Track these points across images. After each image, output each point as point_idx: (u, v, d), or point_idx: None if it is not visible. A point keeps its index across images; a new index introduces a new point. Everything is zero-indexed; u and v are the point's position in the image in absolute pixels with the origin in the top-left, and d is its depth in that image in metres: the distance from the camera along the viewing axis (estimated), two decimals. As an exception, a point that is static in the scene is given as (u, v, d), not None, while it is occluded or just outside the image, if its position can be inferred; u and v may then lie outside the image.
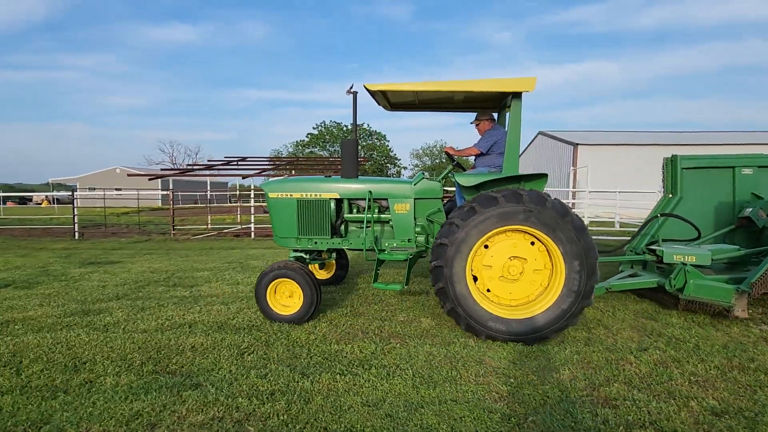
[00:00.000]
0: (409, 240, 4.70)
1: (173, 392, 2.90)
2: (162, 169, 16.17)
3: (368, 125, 49.77)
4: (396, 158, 51.39)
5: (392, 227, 4.76)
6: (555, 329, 3.84)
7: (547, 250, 3.98)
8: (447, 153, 4.89)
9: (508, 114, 4.37)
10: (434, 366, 3.41)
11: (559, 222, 3.79)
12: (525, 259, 4.00)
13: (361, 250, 4.76)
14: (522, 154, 31.71)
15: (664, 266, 4.85)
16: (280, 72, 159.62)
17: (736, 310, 4.32)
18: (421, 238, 4.75)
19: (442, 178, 4.92)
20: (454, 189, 5.27)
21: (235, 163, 13.57)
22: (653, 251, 5.05)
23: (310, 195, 4.73)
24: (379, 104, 5.02)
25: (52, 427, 2.50)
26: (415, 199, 4.66)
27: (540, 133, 30.23)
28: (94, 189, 36.35)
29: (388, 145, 51.30)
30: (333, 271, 6.08)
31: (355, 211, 4.86)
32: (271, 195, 4.84)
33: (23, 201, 42.41)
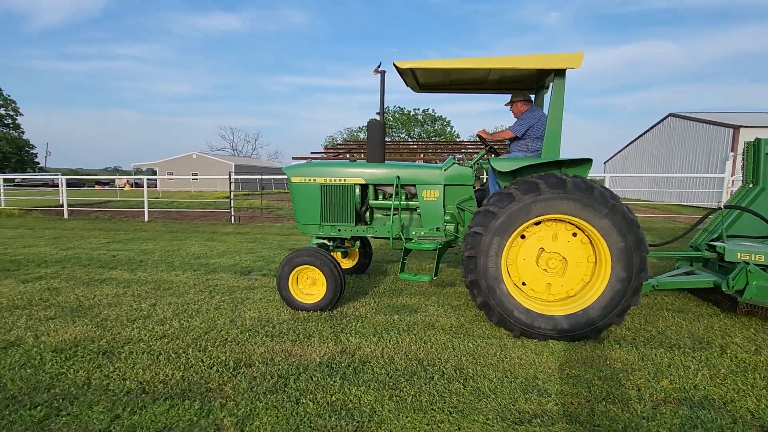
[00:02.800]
0: (437, 229, 4.44)
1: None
2: (312, 153, 15.28)
3: (433, 110, 49.90)
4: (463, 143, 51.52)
5: (420, 215, 4.50)
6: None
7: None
8: (480, 137, 4.58)
9: (547, 96, 3.97)
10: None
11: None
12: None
13: (387, 238, 4.53)
14: (641, 137, 30.25)
15: (725, 265, 4.37)
16: (319, 57, 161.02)
17: None
18: (451, 227, 4.49)
19: (474, 164, 4.57)
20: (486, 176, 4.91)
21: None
22: (713, 248, 4.54)
23: (334, 180, 4.52)
24: (407, 84, 4.75)
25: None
26: (444, 185, 4.39)
27: (671, 115, 27.68)
28: (173, 174, 37.54)
29: (453, 131, 51.08)
30: (356, 259, 5.84)
31: (381, 197, 4.64)
32: (294, 179, 4.63)
33: (101, 185, 43.48)
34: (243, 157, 61.57)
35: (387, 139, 45.67)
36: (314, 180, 4.58)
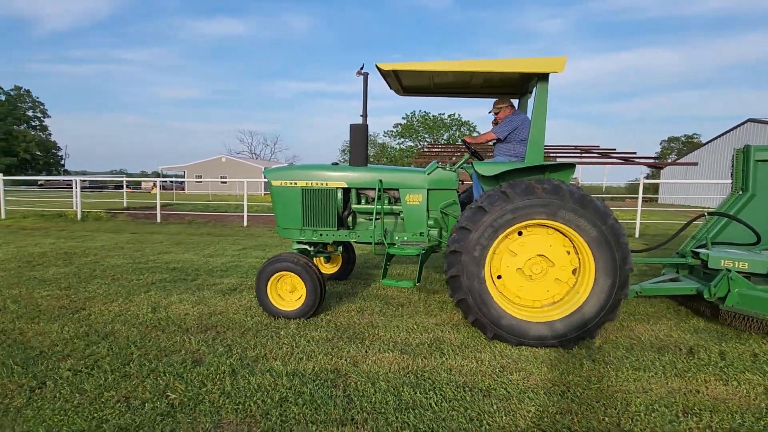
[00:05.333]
0: (421, 234, 4.40)
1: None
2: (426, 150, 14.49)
3: (459, 115, 49.45)
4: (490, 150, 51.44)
5: (403, 220, 4.44)
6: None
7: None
8: (464, 142, 4.62)
9: (530, 100, 3.92)
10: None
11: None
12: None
13: (370, 243, 4.44)
14: (713, 141, 29.83)
15: (709, 272, 4.33)
16: (321, 64, 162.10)
17: None
18: (434, 232, 4.43)
19: (458, 168, 4.59)
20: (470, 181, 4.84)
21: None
22: (698, 254, 4.52)
23: (316, 183, 4.46)
24: (390, 87, 4.68)
25: None
26: (428, 189, 4.34)
27: (749, 120, 27.76)
28: (201, 177, 37.71)
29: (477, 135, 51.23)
30: (339, 265, 5.77)
31: (363, 201, 4.58)
32: (274, 183, 4.58)
33: (119, 187, 43.45)
34: (265, 161, 61.58)
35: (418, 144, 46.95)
36: (295, 183, 4.50)
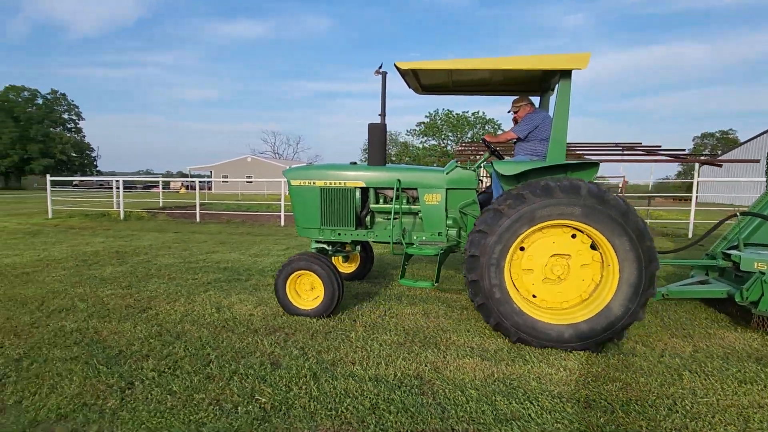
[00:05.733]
0: (439, 233, 4.35)
1: None
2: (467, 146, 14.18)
3: (483, 113, 48.84)
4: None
5: (422, 219, 4.39)
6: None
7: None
8: (484, 140, 4.53)
9: (552, 98, 3.84)
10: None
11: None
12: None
13: (388, 243, 4.42)
14: (760, 136, 28.51)
15: (741, 274, 4.11)
16: (340, 63, 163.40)
17: None
18: (453, 232, 4.37)
19: (477, 167, 4.49)
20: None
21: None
22: (729, 256, 4.27)
23: (334, 183, 4.46)
24: (409, 86, 4.64)
25: None
26: (447, 189, 4.29)
27: None
28: (227, 177, 38.68)
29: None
30: (357, 264, 5.73)
31: (381, 201, 4.55)
32: (293, 182, 4.59)
33: (148, 187, 44.98)
34: (288, 160, 62.25)
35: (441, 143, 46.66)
36: (314, 183, 4.51)
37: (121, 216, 13.39)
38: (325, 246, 4.65)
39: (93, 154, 56.52)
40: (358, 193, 4.44)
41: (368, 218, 4.57)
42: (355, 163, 4.66)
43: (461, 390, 2.83)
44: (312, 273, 4.12)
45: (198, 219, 12.97)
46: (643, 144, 12.58)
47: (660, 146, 12.29)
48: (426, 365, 3.21)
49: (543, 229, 3.54)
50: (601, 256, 3.51)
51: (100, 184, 36.24)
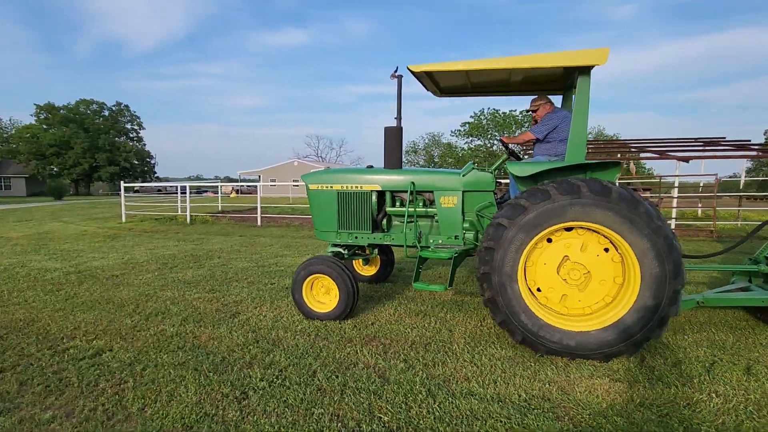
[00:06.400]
0: (456, 237, 4.27)
1: None
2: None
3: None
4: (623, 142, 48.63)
5: (438, 222, 4.35)
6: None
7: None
8: (502, 142, 4.44)
9: (574, 97, 3.68)
10: None
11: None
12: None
13: (405, 246, 4.37)
14: None
15: None
16: (381, 66, 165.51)
17: None
18: (470, 235, 4.26)
19: (495, 169, 4.42)
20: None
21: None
22: None
23: (351, 187, 4.48)
24: (427, 89, 4.62)
25: None
26: (463, 191, 4.21)
27: None
28: (275, 181, 40.29)
29: (608, 132, 48.34)
30: (378, 267, 5.69)
31: (398, 204, 4.52)
32: (311, 186, 4.65)
33: (199, 192, 47.35)
34: (331, 163, 63.28)
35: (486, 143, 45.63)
36: (331, 187, 4.54)
37: (188, 220, 13.97)
38: (341, 249, 4.65)
39: (152, 161, 60.11)
40: (374, 197, 4.46)
41: (384, 221, 4.57)
42: (372, 166, 4.67)
43: (604, 416, 2.53)
44: (326, 276, 4.13)
45: (259, 222, 13.28)
46: (726, 138, 11.55)
47: (749, 140, 11.21)
48: (549, 384, 2.92)
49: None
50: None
51: (159, 190, 38.49)
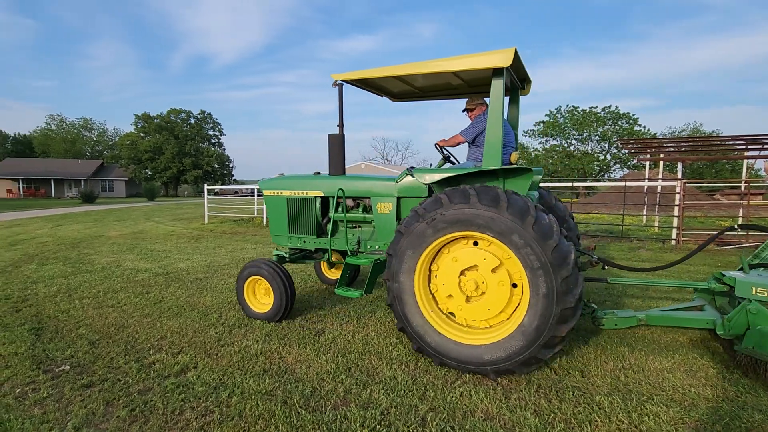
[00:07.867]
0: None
1: None
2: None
3: (617, 107, 43.47)
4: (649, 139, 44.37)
5: (375, 228, 4.34)
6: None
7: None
8: (436, 145, 4.29)
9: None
10: None
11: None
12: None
13: (346, 251, 4.39)
14: None
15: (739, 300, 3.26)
16: None
17: None
18: None
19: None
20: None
21: None
22: (721, 278, 3.63)
23: (298, 193, 4.66)
24: (381, 95, 4.79)
25: None
26: (398, 197, 4.14)
27: None
28: None
29: (646, 129, 43.28)
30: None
31: (340, 210, 4.49)
32: (266, 192, 4.85)
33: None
34: (397, 165, 63.29)
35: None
36: (281, 193, 4.74)
37: (264, 222, 14.27)
38: (283, 253, 4.80)
39: (230, 165, 64.28)
40: (317, 203, 4.58)
41: (330, 226, 4.55)
42: (319, 173, 4.79)
43: None
44: (263, 278, 4.28)
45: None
46: None
47: None
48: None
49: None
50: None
51: (236, 192, 40.71)
